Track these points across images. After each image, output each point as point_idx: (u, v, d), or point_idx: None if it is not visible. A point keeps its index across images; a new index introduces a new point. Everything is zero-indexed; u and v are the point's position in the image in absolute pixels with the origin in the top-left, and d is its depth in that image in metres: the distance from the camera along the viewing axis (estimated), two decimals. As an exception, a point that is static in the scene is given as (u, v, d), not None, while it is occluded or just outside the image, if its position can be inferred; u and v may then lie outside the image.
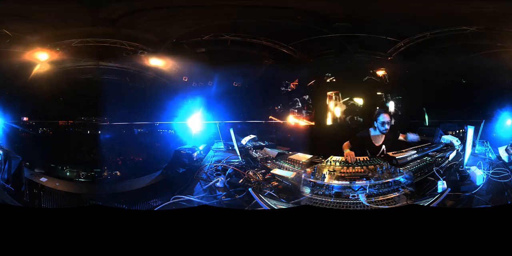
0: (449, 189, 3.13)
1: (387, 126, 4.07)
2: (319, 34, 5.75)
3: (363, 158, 3.74)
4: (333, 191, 3.20)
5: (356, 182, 3.22)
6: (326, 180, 3.25)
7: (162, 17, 5.20)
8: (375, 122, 4.21)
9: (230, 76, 6.56)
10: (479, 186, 3.34)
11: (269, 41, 6.04)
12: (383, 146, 4.14)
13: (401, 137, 4.22)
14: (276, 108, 6.51)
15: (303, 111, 6.16)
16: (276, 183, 3.67)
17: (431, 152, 4.11)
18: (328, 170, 3.42)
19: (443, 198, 3.02)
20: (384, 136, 4.17)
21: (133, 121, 6.68)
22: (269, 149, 4.58)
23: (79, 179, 5.87)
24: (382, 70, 6.01)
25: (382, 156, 3.99)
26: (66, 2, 4.74)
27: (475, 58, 5.74)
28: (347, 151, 3.83)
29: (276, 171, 3.83)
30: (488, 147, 4.58)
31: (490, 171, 3.64)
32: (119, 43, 5.81)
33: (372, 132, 4.27)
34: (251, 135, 5.38)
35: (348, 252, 2.45)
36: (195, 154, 4.62)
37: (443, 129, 4.98)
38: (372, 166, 3.48)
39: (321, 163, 3.73)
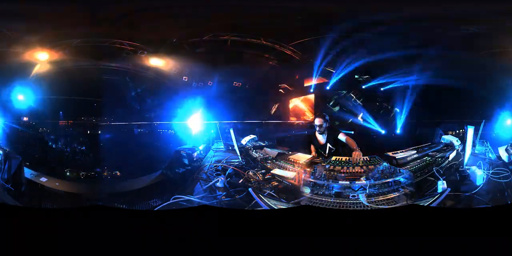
0: (449, 189, 3.13)
1: (318, 128, 4.47)
2: (319, 34, 5.75)
3: (364, 158, 3.73)
4: (333, 191, 3.21)
5: (356, 182, 3.22)
6: (326, 180, 3.25)
7: (162, 17, 5.19)
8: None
9: (230, 76, 6.56)
10: (479, 186, 3.34)
11: (269, 41, 6.04)
12: (328, 144, 4.48)
13: (342, 137, 4.33)
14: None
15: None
16: (276, 183, 3.67)
17: (431, 152, 4.10)
18: (329, 170, 3.42)
19: (443, 198, 3.02)
20: (326, 135, 4.52)
21: (133, 121, 6.68)
22: (269, 149, 4.57)
23: (79, 179, 5.87)
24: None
25: (332, 151, 4.42)
26: (66, 2, 4.73)
27: (476, 58, 5.73)
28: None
29: (276, 171, 3.83)
30: (488, 147, 4.57)
31: (490, 171, 3.63)
32: (119, 43, 5.81)
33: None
34: (251, 135, 5.37)
35: (348, 252, 2.45)
36: (195, 154, 4.61)
37: (443, 129, 4.98)
38: (372, 166, 3.48)
39: (321, 163, 3.73)
